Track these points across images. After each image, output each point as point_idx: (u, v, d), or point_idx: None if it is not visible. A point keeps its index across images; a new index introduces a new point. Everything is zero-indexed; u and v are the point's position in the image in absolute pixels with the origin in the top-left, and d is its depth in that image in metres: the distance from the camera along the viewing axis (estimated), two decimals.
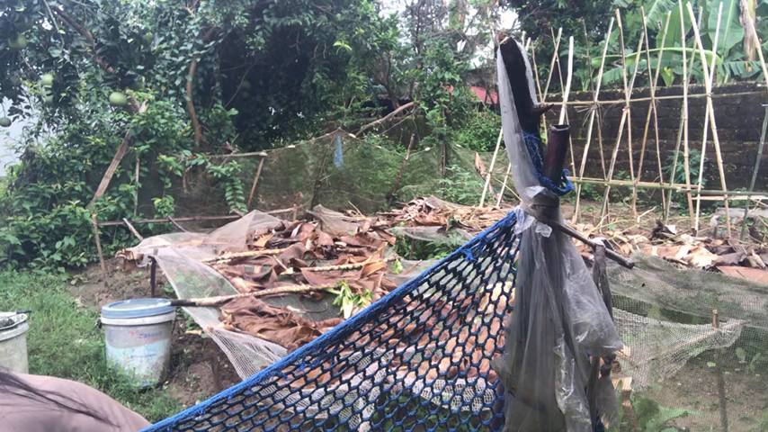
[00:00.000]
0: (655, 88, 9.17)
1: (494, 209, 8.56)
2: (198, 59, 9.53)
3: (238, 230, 6.16)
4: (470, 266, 1.33)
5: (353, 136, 12.10)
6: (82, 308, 6.53)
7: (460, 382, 1.61)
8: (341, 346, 1.36)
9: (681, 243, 5.15)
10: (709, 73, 7.97)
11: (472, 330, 1.49)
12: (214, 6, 9.17)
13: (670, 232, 5.71)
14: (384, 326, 1.40)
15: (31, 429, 1.48)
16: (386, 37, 10.83)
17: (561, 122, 9.03)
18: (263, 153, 10.14)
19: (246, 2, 9.27)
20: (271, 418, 1.43)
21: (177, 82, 9.51)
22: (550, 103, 1.24)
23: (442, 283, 1.35)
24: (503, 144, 5.87)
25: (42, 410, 1.54)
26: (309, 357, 1.32)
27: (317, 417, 1.50)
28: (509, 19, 27.71)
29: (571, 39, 9.91)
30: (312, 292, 4.29)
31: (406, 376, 1.58)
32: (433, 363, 1.55)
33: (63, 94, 7.98)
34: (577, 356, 1.22)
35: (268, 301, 4.06)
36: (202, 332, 3.90)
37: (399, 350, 1.75)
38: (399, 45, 14.42)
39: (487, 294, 1.42)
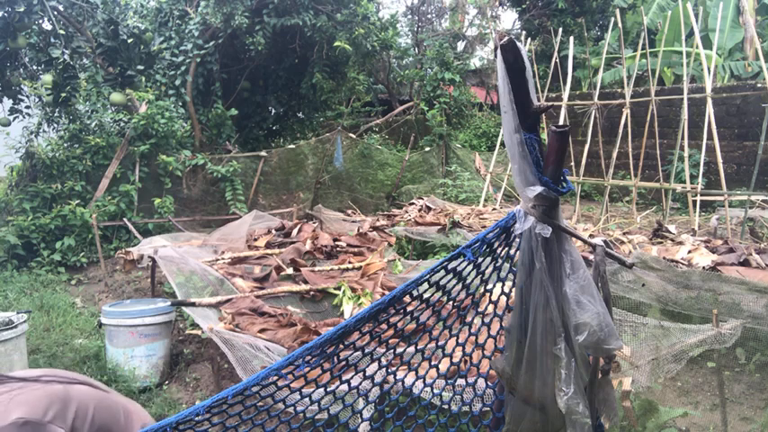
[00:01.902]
0: (655, 88, 9.17)
1: (494, 209, 8.56)
2: (198, 59, 9.53)
3: (238, 230, 6.16)
4: (470, 266, 1.33)
5: (353, 136, 12.10)
6: (82, 308, 6.53)
7: (460, 382, 1.61)
8: (341, 346, 1.36)
9: (681, 243, 5.15)
10: (709, 73, 7.97)
11: (472, 330, 1.49)
12: (214, 6, 9.16)
13: (670, 232, 5.71)
14: (384, 326, 1.40)
15: (43, 403, 1.54)
16: (386, 37, 10.83)
17: (561, 122, 9.03)
18: (263, 153, 10.14)
19: (246, 2, 9.27)
20: (271, 418, 1.43)
21: (177, 82, 9.50)
22: (550, 103, 1.24)
23: (442, 283, 1.35)
24: (503, 144, 5.87)
25: (45, 387, 1.60)
26: (309, 357, 1.32)
27: (317, 417, 1.50)
28: (509, 19, 27.74)
29: (571, 39, 9.91)
30: (312, 292, 4.29)
31: (406, 376, 1.58)
32: (433, 363, 1.55)
33: (63, 94, 7.98)
34: (577, 356, 1.22)
35: (268, 301, 4.06)
36: (202, 332, 3.90)
37: (399, 350, 1.75)
38: (399, 45, 14.42)
39: (487, 294, 1.42)
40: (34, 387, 1.57)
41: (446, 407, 1.65)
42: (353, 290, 4.16)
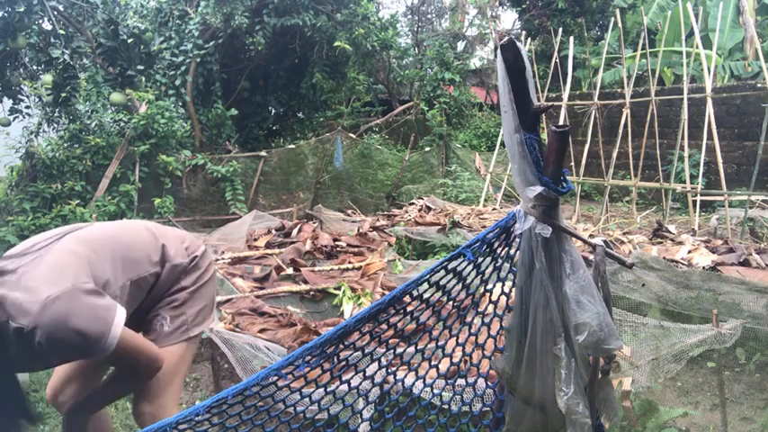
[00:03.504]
0: (655, 88, 9.16)
1: (494, 209, 8.55)
2: (198, 59, 9.53)
3: (238, 230, 6.15)
4: (470, 266, 1.33)
5: (353, 136, 12.10)
6: None
7: (460, 382, 1.61)
8: (341, 346, 1.36)
9: (681, 243, 5.15)
10: (709, 73, 7.96)
11: (472, 330, 1.49)
12: (214, 6, 9.16)
13: (670, 232, 5.71)
14: (384, 326, 1.40)
15: (57, 272, 1.71)
16: (386, 37, 10.82)
17: (561, 122, 9.03)
18: (263, 153, 10.14)
19: (246, 2, 9.27)
20: (271, 419, 1.43)
21: (177, 82, 9.50)
22: (550, 103, 1.24)
23: (442, 283, 1.35)
24: (503, 144, 5.87)
25: (47, 255, 1.75)
26: (309, 357, 1.32)
27: (317, 417, 1.50)
28: (509, 19, 27.73)
29: (571, 39, 9.90)
30: (312, 292, 4.29)
31: (406, 376, 1.59)
32: (433, 363, 1.55)
33: (63, 94, 7.97)
34: (577, 356, 1.22)
35: (268, 301, 4.06)
36: (202, 332, 3.89)
37: (399, 350, 1.75)
38: (399, 45, 14.42)
39: (487, 294, 1.42)
40: (40, 263, 1.70)
41: (446, 407, 1.65)
42: (353, 290, 4.16)
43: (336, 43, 9.58)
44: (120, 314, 1.71)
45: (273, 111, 12.03)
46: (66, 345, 1.62)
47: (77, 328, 1.59)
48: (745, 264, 4.32)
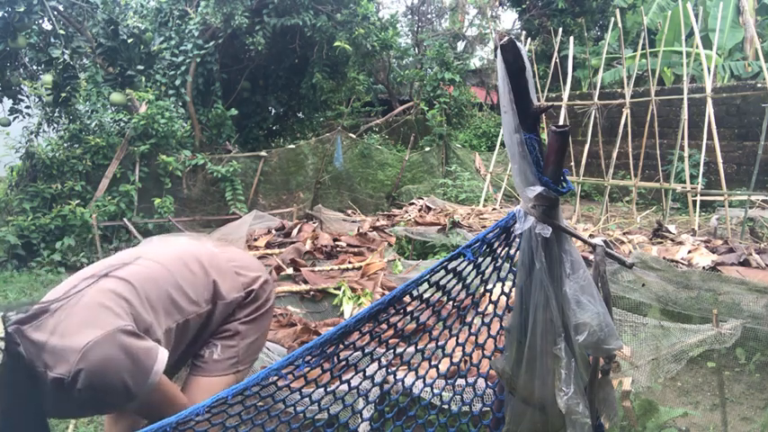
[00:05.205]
0: (655, 88, 9.16)
1: (494, 209, 8.55)
2: (198, 59, 9.53)
3: (238, 230, 6.15)
4: (470, 266, 1.33)
5: (353, 136, 12.10)
6: None
7: (460, 382, 1.61)
8: (341, 346, 1.36)
9: (681, 243, 5.15)
10: (709, 73, 7.96)
11: (472, 330, 1.49)
12: (214, 6, 9.17)
13: (670, 232, 5.71)
14: (384, 326, 1.40)
15: (95, 318, 1.60)
16: (386, 37, 10.83)
17: (561, 122, 9.02)
18: (263, 153, 10.14)
19: (246, 2, 9.27)
20: (271, 418, 1.43)
21: (177, 82, 9.51)
22: (550, 103, 1.24)
23: (442, 283, 1.35)
24: (503, 144, 5.87)
25: (81, 302, 1.64)
26: (309, 357, 1.32)
27: (316, 417, 1.50)
28: (509, 19, 27.71)
29: (571, 39, 9.90)
30: (312, 292, 4.28)
31: (406, 376, 1.59)
32: (433, 363, 1.55)
33: (63, 94, 7.98)
34: (577, 356, 1.22)
35: None
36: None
37: (399, 350, 1.75)
38: (399, 45, 14.42)
39: (487, 294, 1.42)
40: (77, 306, 1.61)
41: (446, 407, 1.65)
42: (353, 290, 4.16)
43: (336, 43, 9.58)
44: (161, 358, 1.62)
45: (273, 111, 12.04)
46: (106, 392, 1.55)
47: (118, 375, 1.52)
48: (745, 264, 4.32)
